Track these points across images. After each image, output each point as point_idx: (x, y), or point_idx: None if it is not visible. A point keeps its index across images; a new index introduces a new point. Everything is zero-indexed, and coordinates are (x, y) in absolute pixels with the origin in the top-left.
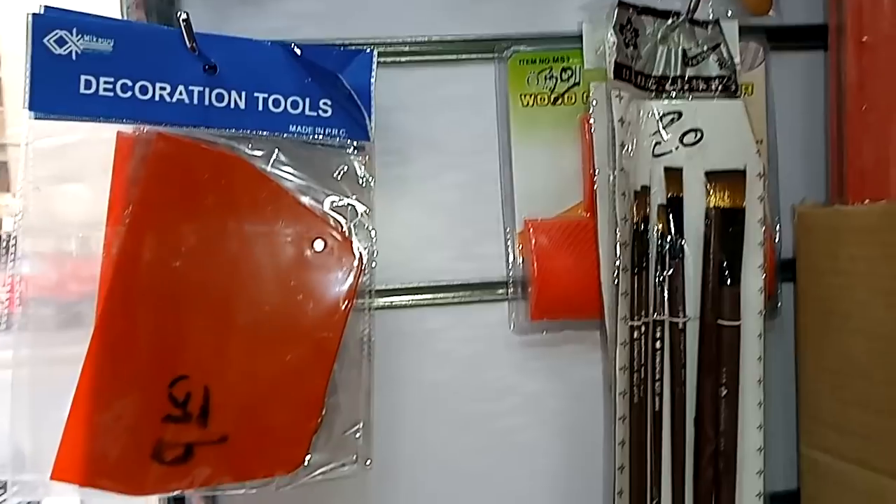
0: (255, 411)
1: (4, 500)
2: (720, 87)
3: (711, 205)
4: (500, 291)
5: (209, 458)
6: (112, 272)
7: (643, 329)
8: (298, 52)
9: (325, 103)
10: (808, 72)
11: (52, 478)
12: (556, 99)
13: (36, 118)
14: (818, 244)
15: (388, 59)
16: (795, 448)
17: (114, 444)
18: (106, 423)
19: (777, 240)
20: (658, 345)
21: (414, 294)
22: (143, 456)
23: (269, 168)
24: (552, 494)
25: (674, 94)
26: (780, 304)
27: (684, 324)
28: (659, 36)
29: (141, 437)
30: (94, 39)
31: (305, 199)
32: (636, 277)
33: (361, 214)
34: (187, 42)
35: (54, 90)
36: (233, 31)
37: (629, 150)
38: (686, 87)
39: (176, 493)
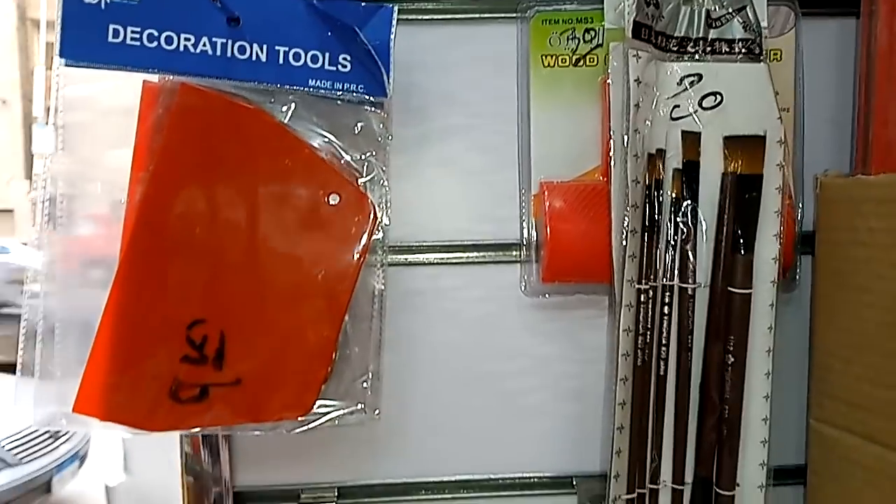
0: (268, 357)
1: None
2: (743, 51)
3: (728, 170)
4: (514, 253)
5: (223, 399)
6: (135, 217)
7: (651, 293)
8: (319, 6)
9: (344, 58)
10: (841, 39)
11: (73, 410)
12: (577, 60)
13: (66, 65)
14: (838, 215)
15: (410, 17)
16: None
17: (133, 382)
18: (126, 362)
19: (800, 211)
20: (666, 310)
21: (427, 252)
22: (160, 394)
23: (288, 122)
24: (558, 456)
25: (696, 56)
26: (798, 276)
27: (694, 290)
28: None
29: (159, 376)
30: None
31: (323, 153)
32: (646, 241)
33: (377, 170)
34: None
35: (84, 38)
36: None
37: (646, 111)
38: (708, 49)
39: (192, 431)
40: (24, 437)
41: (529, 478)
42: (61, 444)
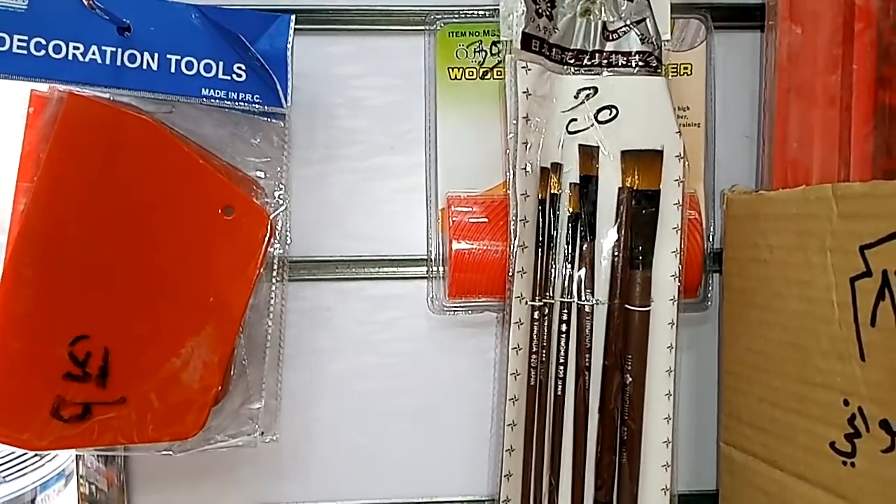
0: (155, 375)
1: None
2: (640, 64)
3: (625, 185)
4: (422, 269)
5: (106, 418)
6: (19, 228)
7: (546, 310)
8: (213, 15)
9: (239, 67)
10: (753, 53)
11: None
12: (485, 73)
13: None
14: (742, 232)
15: (316, 27)
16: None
17: (14, 399)
18: (5, 379)
19: (712, 228)
20: (564, 327)
21: (332, 268)
22: (42, 411)
23: (185, 133)
24: (470, 478)
25: (592, 69)
26: (710, 295)
27: (592, 307)
28: (579, 8)
29: (40, 394)
30: None
31: (218, 163)
32: (540, 256)
33: (276, 183)
34: (84, 0)
35: None
36: None
37: (541, 124)
38: (605, 62)
39: (76, 450)
40: (7, 455)
41: (441, 502)
42: (47, 461)
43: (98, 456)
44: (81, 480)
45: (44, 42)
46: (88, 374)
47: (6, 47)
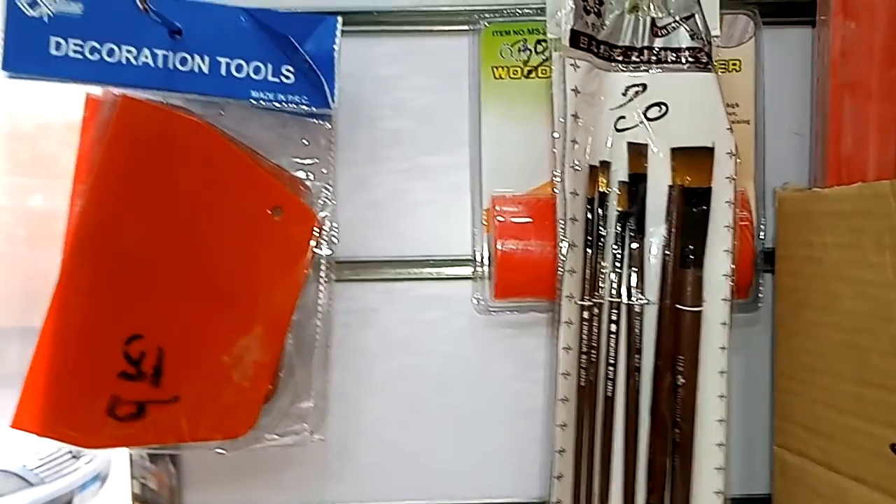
0: (207, 374)
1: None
2: (690, 60)
3: (675, 183)
4: (467, 269)
5: (160, 417)
6: (75, 228)
7: (596, 310)
8: (262, 18)
9: (287, 70)
10: (803, 48)
11: (11, 426)
12: (529, 72)
13: (10, 77)
14: (795, 230)
15: (361, 28)
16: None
17: (71, 397)
18: (64, 376)
19: (763, 226)
20: (614, 328)
21: (378, 268)
22: (98, 410)
23: (234, 135)
24: (514, 480)
25: (641, 65)
26: (762, 295)
27: (642, 307)
28: (628, 4)
29: (96, 392)
30: (65, 2)
31: (267, 164)
32: (589, 255)
33: (323, 183)
34: (139, 3)
35: (27, 51)
36: None
37: (590, 122)
38: (654, 58)
39: (131, 448)
40: (47, 456)
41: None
42: (84, 464)
43: (149, 456)
44: (134, 480)
45: (98, 46)
46: (143, 373)
47: (62, 52)
